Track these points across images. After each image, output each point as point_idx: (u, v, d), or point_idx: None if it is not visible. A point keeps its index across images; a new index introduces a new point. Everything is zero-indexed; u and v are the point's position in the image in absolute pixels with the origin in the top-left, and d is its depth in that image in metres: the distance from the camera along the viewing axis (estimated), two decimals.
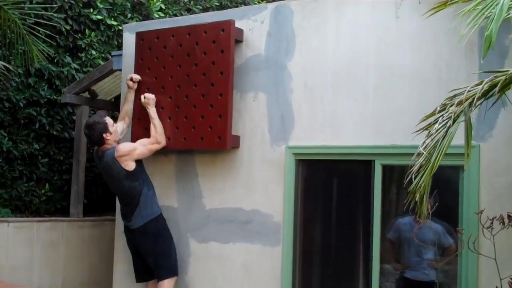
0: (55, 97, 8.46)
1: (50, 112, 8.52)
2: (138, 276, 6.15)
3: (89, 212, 8.69)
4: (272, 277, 5.60)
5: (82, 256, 8.09)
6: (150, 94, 6.04)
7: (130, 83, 6.14)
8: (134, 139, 6.08)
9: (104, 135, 5.83)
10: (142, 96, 6.04)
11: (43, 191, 8.42)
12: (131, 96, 6.16)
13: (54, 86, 8.51)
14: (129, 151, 5.81)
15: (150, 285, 6.10)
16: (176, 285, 5.98)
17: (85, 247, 8.12)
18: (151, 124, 5.95)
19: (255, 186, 5.76)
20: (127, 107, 6.17)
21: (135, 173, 5.83)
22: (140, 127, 6.15)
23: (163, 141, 5.94)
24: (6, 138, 8.03)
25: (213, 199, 6.00)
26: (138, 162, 5.90)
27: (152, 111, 5.98)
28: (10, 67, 7.52)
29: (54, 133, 8.55)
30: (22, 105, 8.13)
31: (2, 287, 5.84)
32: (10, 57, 7.89)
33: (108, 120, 5.90)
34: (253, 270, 5.72)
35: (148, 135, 5.97)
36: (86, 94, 8.39)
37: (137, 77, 6.15)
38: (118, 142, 5.94)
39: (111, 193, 7.93)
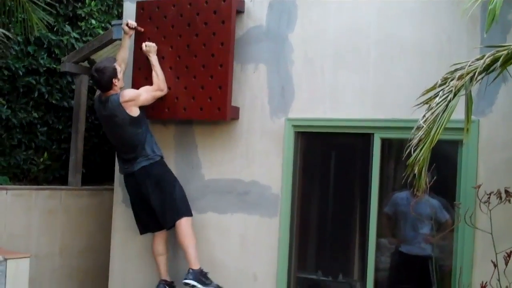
0: (54, 66, 8.43)
1: (49, 81, 8.49)
2: (142, 227, 6.11)
3: (87, 181, 8.70)
4: (269, 247, 5.64)
5: (80, 224, 8.11)
6: (151, 43, 6.02)
7: (126, 28, 6.09)
8: (134, 88, 6.05)
9: (114, 80, 5.81)
10: (143, 44, 6.03)
11: (41, 159, 8.41)
12: (127, 42, 6.13)
13: (53, 55, 8.47)
14: (134, 97, 5.81)
15: (157, 238, 6.04)
16: (175, 254, 5.98)
17: (83, 216, 8.15)
18: (153, 72, 5.94)
19: (254, 157, 5.77)
20: (123, 54, 6.12)
21: (139, 119, 5.82)
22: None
23: (165, 89, 5.94)
24: (5, 106, 8.01)
25: (212, 170, 6.01)
26: (141, 109, 5.87)
27: (154, 59, 5.98)
28: (10, 35, 7.47)
29: (53, 102, 8.53)
30: (21, 73, 8.09)
31: (0, 253, 5.87)
32: (10, 25, 7.83)
33: (117, 66, 5.90)
34: (251, 241, 5.76)
35: (148, 84, 5.96)
36: (86, 64, 8.35)
37: (132, 23, 6.12)
38: (121, 90, 5.92)
39: (109, 162, 7.97)
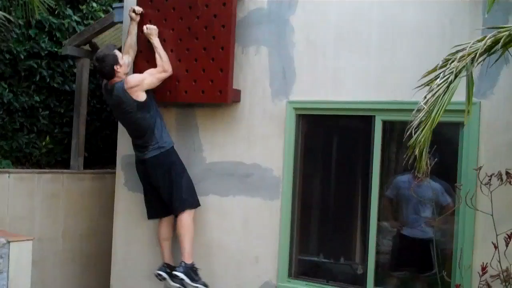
0: (55, 49, 8.41)
1: (50, 65, 8.47)
2: (150, 212, 6.15)
3: (89, 165, 8.73)
4: (270, 230, 5.66)
5: (82, 208, 8.15)
6: (152, 25, 6.02)
7: (133, 14, 6.10)
8: (137, 71, 6.06)
9: (115, 67, 5.80)
10: (144, 27, 6.02)
11: (43, 143, 8.42)
12: (134, 29, 6.14)
13: (54, 39, 8.45)
14: (139, 82, 5.79)
15: (163, 222, 6.08)
16: (175, 238, 6.02)
17: (85, 200, 8.18)
18: (156, 54, 5.93)
19: (256, 140, 5.77)
20: (130, 40, 6.14)
21: (147, 103, 5.81)
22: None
23: (169, 69, 5.93)
24: (7, 90, 8.00)
25: (213, 153, 6.02)
26: (148, 93, 5.86)
27: (156, 41, 5.97)
28: (11, 18, 7.46)
29: (55, 85, 8.51)
30: (22, 57, 8.08)
31: (3, 235, 5.89)
32: (11, 8, 7.81)
33: (118, 52, 5.89)
34: (252, 223, 5.78)
35: (150, 67, 5.96)
36: (87, 47, 8.34)
37: (139, 9, 6.12)
38: (126, 76, 5.92)
39: (111, 146, 7.98)
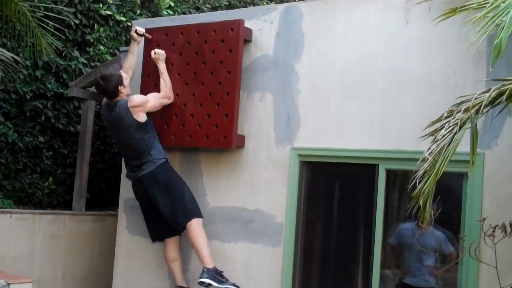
0: (61, 90, 8.47)
1: (56, 106, 8.52)
2: (154, 234, 6.10)
3: (91, 206, 8.70)
4: (272, 277, 5.61)
5: (83, 250, 8.10)
6: (160, 50, 6.09)
7: (135, 35, 6.19)
8: (143, 94, 6.10)
9: (120, 87, 5.88)
10: (152, 52, 6.10)
11: (46, 184, 8.42)
12: (135, 49, 6.22)
13: (61, 80, 8.51)
14: (142, 102, 5.86)
15: (169, 244, 6.02)
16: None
17: (86, 241, 8.13)
18: (161, 79, 6.01)
19: (259, 186, 5.77)
20: (131, 60, 6.21)
21: (146, 125, 5.85)
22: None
23: (172, 97, 6.02)
24: (12, 130, 8.03)
25: (217, 198, 6.01)
26: (148, 116, 5.91)
27: (162, 67, 6.05)
28: (19, 59, 7.54)
29: (60, 126, 8.55)
30: (28, 97, 8.13)
31: (3, 277, 5.85)
32: (19, 49, 7.90)
33: (123, 73, 5.97)
34: (254, 270, 5.73)
35: (156, 91, 6.02)
36: (93, 89, 8.39)
37: (141, 29, 6.22)
38: (127, 97, 5.97)
39: (114, 188, 7.97)
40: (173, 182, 5.89)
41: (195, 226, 5.75)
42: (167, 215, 5.84)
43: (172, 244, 6.03)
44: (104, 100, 6.10)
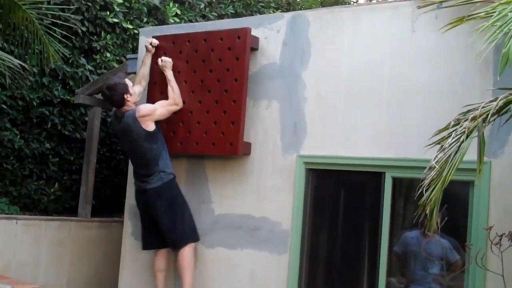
0: (68, 97, 8.50)
1: (62, 112, 8.56)
2: (147, 243, 6.14)
3: (97, 213, 8.72)
4: (278, 285, 5.61)
5: (88, 256, 8.11)
6: (167, 58, 6.12)
7: (149, 46, 6.23)
8: (150, 102, 6.14)
9: (125, 96, 5.91)
10: (159, 59, 6.13)
11: (52, 190, 8.45)
12: (148, 60, 6.26)
13: (67, 87, 8.55)
14: (150, 112, 5.89)
15: (160, 253, 6.08)
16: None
17: (91, 248, 8.14)
18: (169, 86, 6.03)
19: (265, 193, 5.78)
20: (144, 70, 6.25)
21: (154, 134, 5.89)
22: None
23: (180, 103, 6.03)
24: (18, 136, 8.07)
25: (222, 205, 6.02)
26: (157, 124, 5.94)
27: (169, 74, 6.07)
28: (26, 66, 7.57)
29: (66, 133, 8.58)
30: (35, 104, 8.17)
31: (9, 283, 5.86)
32: (26, 56, 7.94)
33: (128, 81, 6.00)
34: (260, 277, 5.73)
35: (163, 99, 6.05)
36: (99, 96, 8.42)
37: (155, 41, 6.25)
38: (136, 105, 5.99)
39: (119, 194, 7.98)
40: (176, 202, 5.95)
41: (187, 253, 5.83)
42: (165, 233, 5.92)
43: (162, 254, 6.10)
44: (113, 110, 6.13)
